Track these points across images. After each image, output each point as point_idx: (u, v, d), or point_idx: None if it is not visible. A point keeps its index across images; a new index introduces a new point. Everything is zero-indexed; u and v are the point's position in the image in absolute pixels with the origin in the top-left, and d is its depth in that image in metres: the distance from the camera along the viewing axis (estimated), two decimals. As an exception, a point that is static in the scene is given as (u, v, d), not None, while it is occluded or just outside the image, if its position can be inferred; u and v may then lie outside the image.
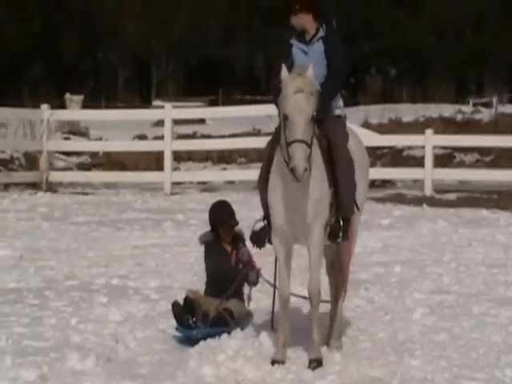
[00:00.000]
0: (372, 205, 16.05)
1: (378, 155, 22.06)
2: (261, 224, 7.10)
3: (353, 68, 46.09)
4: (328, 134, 6.94)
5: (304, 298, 7.36)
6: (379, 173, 19.50)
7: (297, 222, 6.74)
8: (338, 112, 7.20)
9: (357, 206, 7.11)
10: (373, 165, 20.86)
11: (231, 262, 7.56)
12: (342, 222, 6.91)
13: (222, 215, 7.59)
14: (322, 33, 7.07)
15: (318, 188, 6.70)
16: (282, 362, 6.76)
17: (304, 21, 7.03)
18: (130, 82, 56.19)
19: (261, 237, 7.08)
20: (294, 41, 7.14)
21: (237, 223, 7.61)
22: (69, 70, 48.87)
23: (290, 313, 7.02)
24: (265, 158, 7.04)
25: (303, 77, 6.55)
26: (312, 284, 6.85)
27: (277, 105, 6.77)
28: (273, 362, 6.76)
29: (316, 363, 6.75)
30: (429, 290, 9.44)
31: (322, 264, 7.10)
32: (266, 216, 6.99)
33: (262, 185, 6.97)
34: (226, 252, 7.60)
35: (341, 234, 6.93)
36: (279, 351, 6.84)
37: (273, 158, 6.82)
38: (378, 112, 29.30)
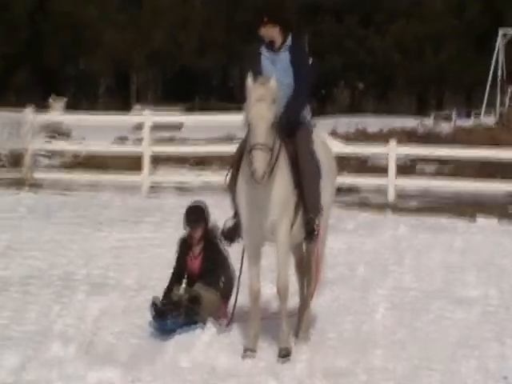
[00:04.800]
0: (338, 210, 16.07)
1: (344, 164, 22.15)
2: (231, 222, 7.15)
3: (323, 81, 46.26)
4: (294, 140, 6.99)
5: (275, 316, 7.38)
6: (345, 180, 19.57)
7: (263, 221, 6.78)
8: (304, 120, 7.23)
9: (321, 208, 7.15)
10: (339, 172, 20.89)
11: (192, 263, 7.63)
12: (314, 221, 6.93)
13: (186, 216, 7.73)
14: (288, 42, 7.11)
15: (283, 190, 6.75)
16: (253, 351, 6.83)
17: (271, 32, 7.06)
18: (110, 89, 55.88)
19: (231, 234, 7.14)
20: (262, 49, 7.17)
21: (199, 224, 7.66)
22: (52, 77, 48.65)
23: (259, 307, 7.09)
24: (233, 161, 7.10)
25: (266, 86, 6.63)
26: (280, 280, 6.91)
27: None
28: (245, 351, 6.82)
29: (285, 352, 6.82)
30: (390, 288, 9.52)
31: (290, 262, 7.15)
32: (236, 214, 7.05)
33: (231, 186, 7.02)
34: (190, 252, 7.67)
35: (315, 232, 6.96)
36: (251, 341, 6.90)
37: (240, 162, 6.89)
38: (345, 123, 29.41)
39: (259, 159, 6.43)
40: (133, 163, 20.22)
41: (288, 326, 6.96)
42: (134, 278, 9.64)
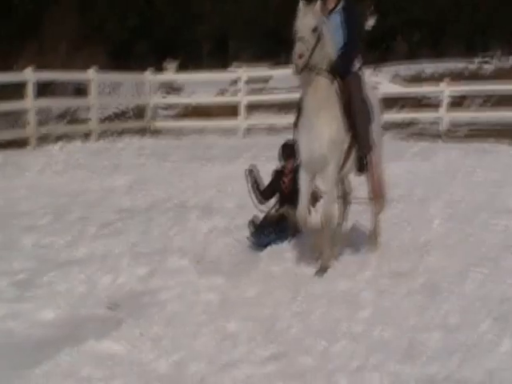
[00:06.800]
0: (399, 142, 15.78)
1: (404, 102, 21.60)
2: None
3: (383, 36, 45.24)
4: (348, 88, 6.54)
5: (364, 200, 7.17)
6: (405, 116, 19.11)
7: (315, 155, 6.36)
8: (355, 70, 6.77)
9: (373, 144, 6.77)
10: (401, 110, 20.49)
11: (284, 186, 7.58)
12: (365, 159, 6.62)
13: (282, 152, 7.66)
14: (340, 6, 6.65)
15: (335, 129, 6.33)
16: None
17: None
18: (212, 53, 55.64)
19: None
20: None
21: (291, 158, 7.46)
22: (165, 45, 48.77)
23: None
24: (297, 108, 6.72)
25: (311, 6, 6.23)
26: (325, 209, 6.50)
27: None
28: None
29: (323, 270, 6.43)
30: (444, 203, 9.28)
31: (335, 195, 6.74)
32: None
33: (296, 127, 6.69)
34: (282, 178, 7.62)
35: (365, 166, 6.66)
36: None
37: (301, 108, 6.53)
38: (404, 69, 28.60)
39: (298, 48, 6.01)
40: (231, 110, 20.18)
41: (329, 248, 6.56)
42: (235, 202, 9.60)
